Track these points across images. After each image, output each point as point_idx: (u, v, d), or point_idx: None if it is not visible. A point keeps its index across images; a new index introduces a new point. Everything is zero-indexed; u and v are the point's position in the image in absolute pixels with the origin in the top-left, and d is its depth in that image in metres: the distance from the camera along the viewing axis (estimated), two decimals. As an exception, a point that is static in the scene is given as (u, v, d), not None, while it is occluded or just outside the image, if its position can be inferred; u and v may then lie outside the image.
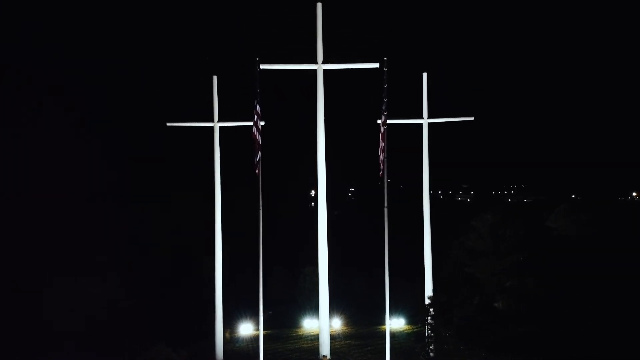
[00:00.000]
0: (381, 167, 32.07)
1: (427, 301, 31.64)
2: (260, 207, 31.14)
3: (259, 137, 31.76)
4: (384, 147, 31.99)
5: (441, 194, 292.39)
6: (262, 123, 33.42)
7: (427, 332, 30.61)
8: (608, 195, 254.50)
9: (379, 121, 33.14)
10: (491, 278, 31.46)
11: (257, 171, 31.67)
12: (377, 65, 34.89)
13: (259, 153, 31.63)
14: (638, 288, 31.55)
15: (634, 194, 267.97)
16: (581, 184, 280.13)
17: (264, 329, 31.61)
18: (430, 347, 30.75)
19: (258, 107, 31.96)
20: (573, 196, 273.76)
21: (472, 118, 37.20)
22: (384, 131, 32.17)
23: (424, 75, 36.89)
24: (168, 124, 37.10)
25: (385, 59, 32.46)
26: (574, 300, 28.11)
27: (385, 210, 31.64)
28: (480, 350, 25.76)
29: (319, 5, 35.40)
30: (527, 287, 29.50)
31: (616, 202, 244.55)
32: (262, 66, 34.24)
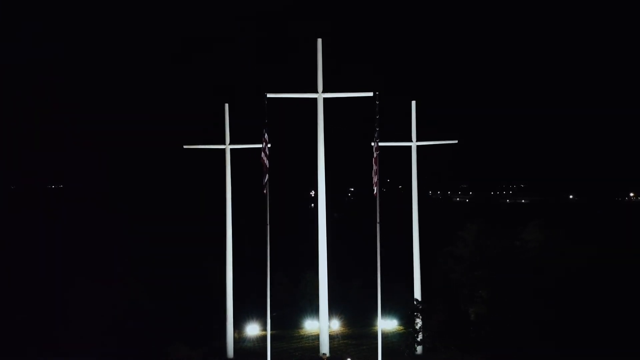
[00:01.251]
0: (374, 188, 36.83)
1: (414, 304, 36.45)
2: (268, 223, 35.89)
3: (266, 162, 36.49)
4: (376, 170, 36.74)
5: (440, 194, 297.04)
6: (269, 145, 38.09)
7: (412, 334, 35.50)
8: (606, 195, 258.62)
9: (373, 144, 37.90)
10: (466, 286, 36.28)
11: (265, 191, 36.41)
12: (371, 94, 39.52)
13: (267, 176, 36.36)
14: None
15: (632, 194, 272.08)
16: (580, 184, 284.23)
17: (264, 329, 36.36)
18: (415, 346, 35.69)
19: (266, 135, 36.68)
20: (571, 196, 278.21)
21: (456, 141, 42.06)
22: (376, 156, 36.91)
23: (413, 103, 41.64)
24: (185, 147, 41.91)
25: (377, 93, 37.24)
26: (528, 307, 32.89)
27: (378, 225, 36.43)
28: (454, 350, 30.60)
29: (319, 40, 40.13)
30: (494, 296, 34.18)
31: (614, 202, 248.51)
32: (269, 95, 38.93)
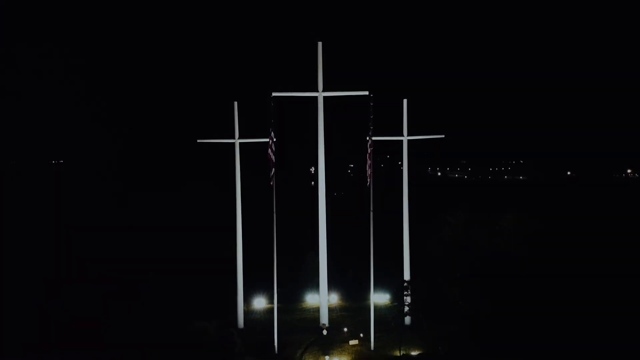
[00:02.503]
0: (368, 180, 41.96)
1: (401, 283, 42.20)
2: (274, 211, 41.15)
3: (273, 157, 41.49)
4: (370, 164, 41.82)
5: (439, 171, 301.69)
6: (275, 140, 42.83)
7: (397, 307, 41.40)
8: (604, 172, 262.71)
9: (367, 138, 42.73)
10: (446, 267, 42.00)
11: (271, 183, 41.54)
12: (366, 92, 44.11)
13: (273, 169, 41.41)
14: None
15: (629, 170, 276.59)
16: (578, 160, 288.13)
17: (271, 303, 41.97)
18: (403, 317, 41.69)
19: (272, 133, 41.52)
20: (569, 173, 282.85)
21: (443, 136, 46.97)
22: (370, 152, 41.92)
23: (404, 101, 46.28)
24: (198, 141, 46.86)
25: (371, 95, 41.90)
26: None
27: (371, 213, 41.77)
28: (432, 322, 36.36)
29: (320, 44, 44.57)
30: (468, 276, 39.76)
31: (611, 179, 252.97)
32: (274, 94, 43.59)
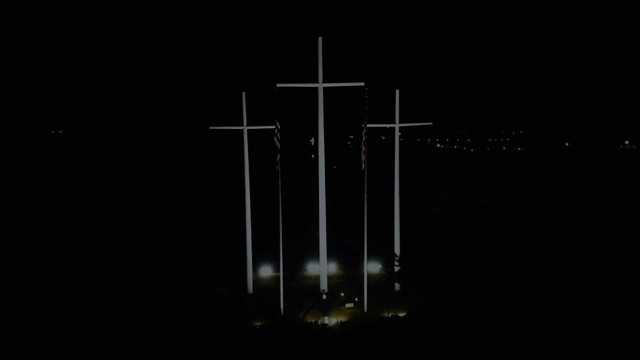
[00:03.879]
0: (363, 165, 47.70)
1: (391, 255, 48.74)
2: (280, 193, 47.11)
3: (278, 144, 47.07)
4: (365, 150, 47.47)
5: (438, 142, 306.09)
6: (279, 127, 48.31)
7: (386, 275, 48.08)
8: (602, 142, 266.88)
9: (363, 126, 48.21)
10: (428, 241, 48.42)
11: (277, 167, 47.28)
12: (362, 84, 49.37)
13: (278, 155, 47.08)
14: None
15: (627, 142, 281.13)
16: (576, 130, 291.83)
17: (278, 272, 48.54)
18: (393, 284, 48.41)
19: (277, 122, 46.95)
20: (567, 144, 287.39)
21: (431, 123, 52.45)
22: (365, 139, 47.50)
23: (397, 91, 51.52)
24: (210, 127, 52.37)
25: (366, 89, 47.14)
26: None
27: (365, 195, 47.74)
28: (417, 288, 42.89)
29: (320, 39, 49.45)
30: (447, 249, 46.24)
31: (609, 150, 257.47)
32: (279, 85, 48.84)
